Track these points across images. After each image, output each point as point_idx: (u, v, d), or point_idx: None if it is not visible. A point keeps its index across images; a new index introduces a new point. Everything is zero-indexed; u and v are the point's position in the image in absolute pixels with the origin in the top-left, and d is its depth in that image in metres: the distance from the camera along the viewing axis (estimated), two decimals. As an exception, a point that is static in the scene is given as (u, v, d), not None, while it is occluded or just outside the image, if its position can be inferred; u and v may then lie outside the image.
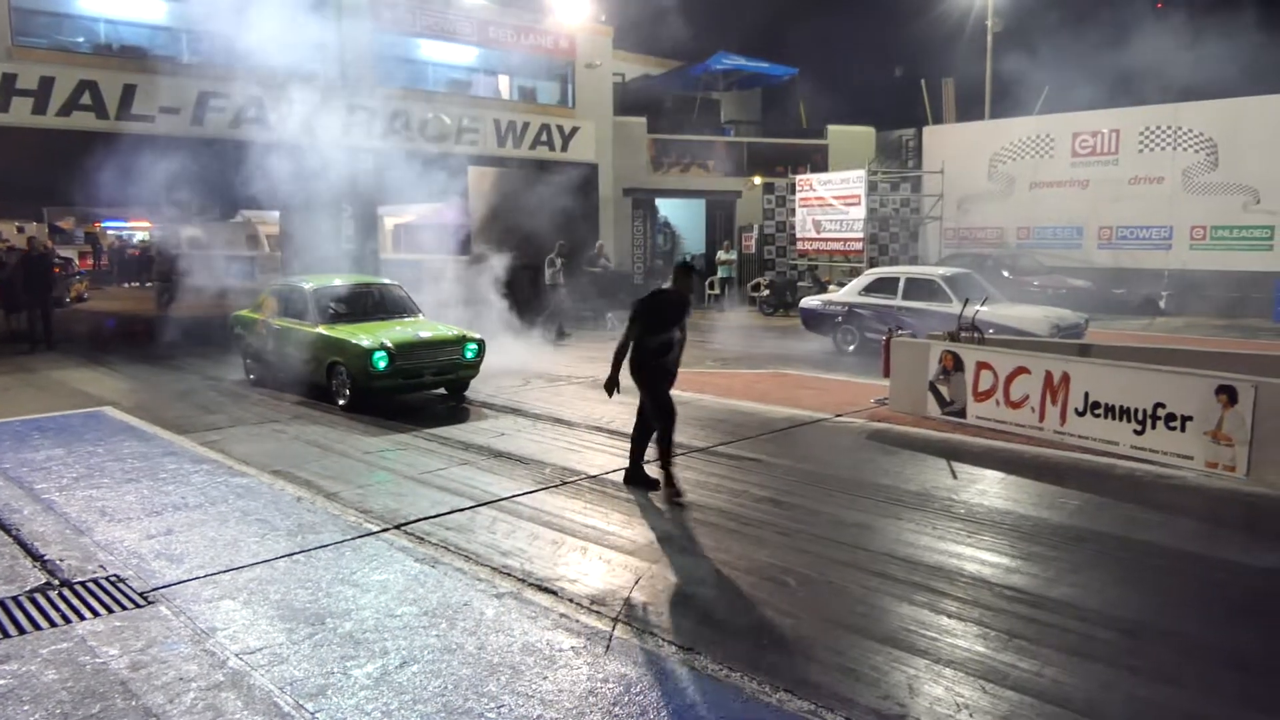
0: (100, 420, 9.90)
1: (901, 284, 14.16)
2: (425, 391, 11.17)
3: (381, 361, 10.02)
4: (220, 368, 13.48)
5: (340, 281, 12.16)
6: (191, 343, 16.07)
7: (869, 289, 14.70)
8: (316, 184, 20.53)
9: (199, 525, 6.28)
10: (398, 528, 6.27)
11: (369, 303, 11.65)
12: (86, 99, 17.12)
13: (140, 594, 5.08)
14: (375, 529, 6.22)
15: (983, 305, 12.48)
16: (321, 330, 10.84)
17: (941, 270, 14.67)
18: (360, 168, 20.68)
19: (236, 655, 4.34)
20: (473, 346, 10.83)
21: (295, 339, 11.22)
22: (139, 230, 44.20)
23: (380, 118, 21.03)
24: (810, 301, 16.03)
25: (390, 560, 5.62)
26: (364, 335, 10.34)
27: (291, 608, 4.89)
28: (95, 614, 4.82)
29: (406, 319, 11.41)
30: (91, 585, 5.21)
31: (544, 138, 23.85)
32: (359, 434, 9.34)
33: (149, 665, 4.26)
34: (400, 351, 10.19)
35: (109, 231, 44.30)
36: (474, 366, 10.99)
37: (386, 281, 12.56)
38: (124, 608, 4.90)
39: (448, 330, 10.99)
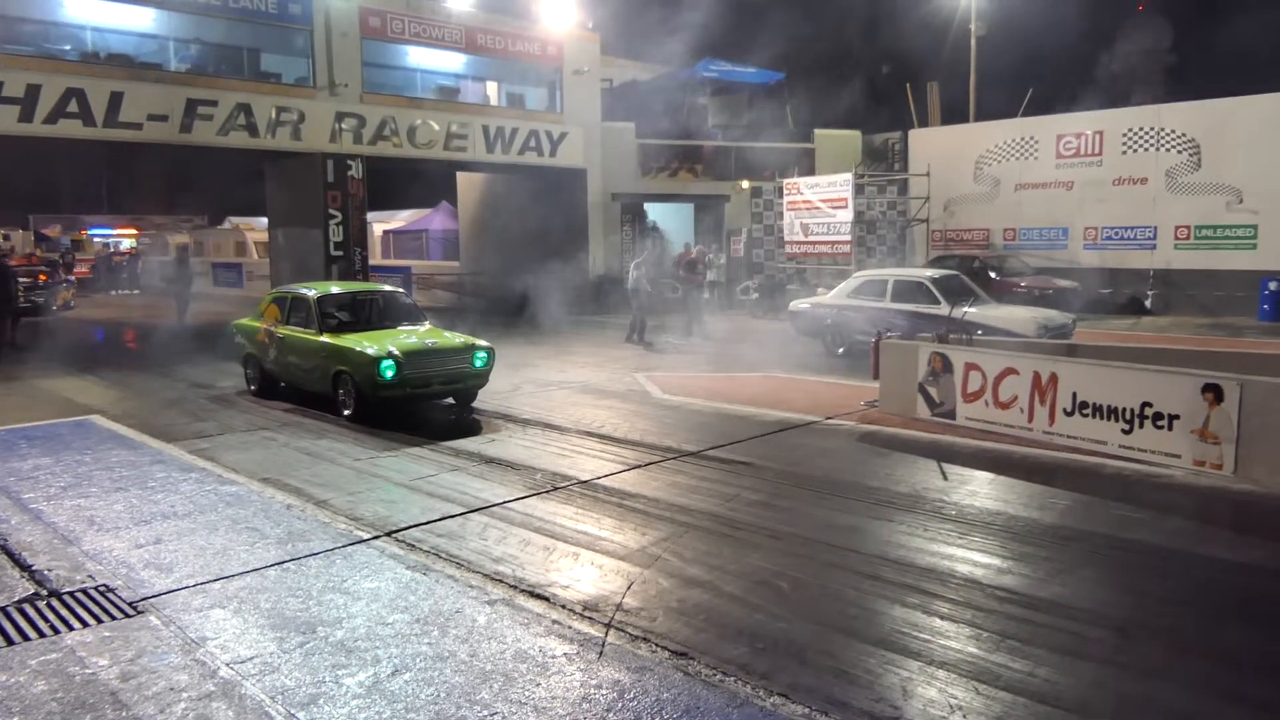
0: (88, 429, 9.85)
1: (890, 286, 14.19)
2: (432, 401, 10.92)
3: (389, 371, 9.75)
4: (210, 374, 13.43)
5: (345, 288, 11.94)
6: (180, 350, 15.98)
7: (857, 291, 14.71)
8: (305, 190, 20.57)
9: (188, 534, 6.24)
10: (389, 535, 6.26)
11: (374, 310, 11.44)
12: (73, 106, 17.06)
13: (130, 603, 5.05)
14: (366, 536, 6.20)
15: (970, 307, 12.53)
16: (326, 339, 10.56)
17: (929, 272, 14.71)
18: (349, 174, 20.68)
19: (227, 665, 4.32)
20: (482, 355, 10.57)
21: (299, 348, 10.99)
22: (126, 237, 44.05)
23: (369, 124, 21.01)
24: (800, 304, 16.05)
25: (381, 568, 5.60)
26: (370, 344, 10.09)
27: (282, 616, 4.87)
28: (84, 624, 4.79)
29: (413, 326, 11.18)
30: (80, 595, 5.18)
31: (532, 143, 23.89)
32: (349, 441, 9.31)
33: (139, 675, 4.23)
34: (408, 360, 9.91)
35: (95, 239, 44.09)
36: (483, 375, 10.72)
37: (392, 289, 12.34)
38: (113, 617, 4.87)
39: (456, 338, 10.80)
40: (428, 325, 11.36)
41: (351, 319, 11.10)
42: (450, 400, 10.91)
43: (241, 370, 12.26)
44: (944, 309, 12.56)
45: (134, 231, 43.63)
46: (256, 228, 33.55)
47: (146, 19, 18.82)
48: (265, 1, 19.43)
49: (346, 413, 10.23)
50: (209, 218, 38.29)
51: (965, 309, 11.45)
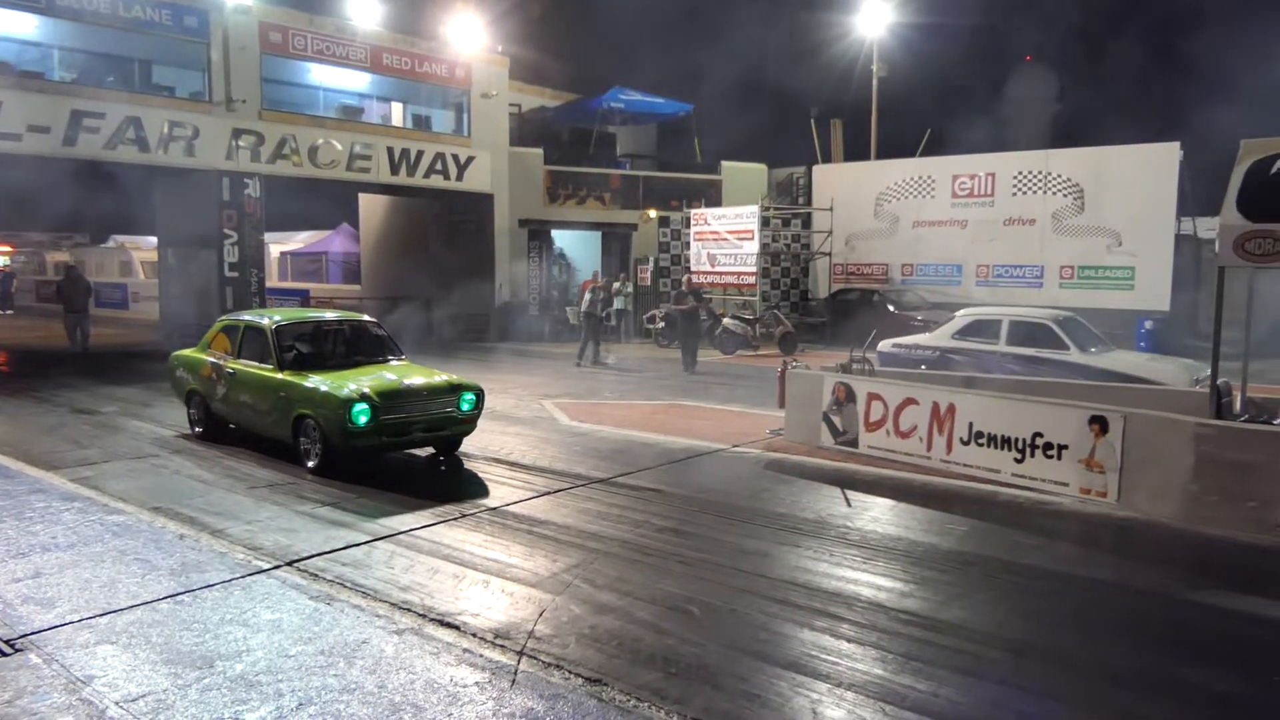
0: (-42, 455, 9.25)
1: (1005, 327, 12.61)
2: (411, 450, 9.58)
3: (362, 416, 8.38)
4: (91, 400, 12.79)
5: (308, 317, 10.62)
6: (59, 375, 15.19)
7: (964, 332, 13.09)
8: (198, 209, 19.87)
9: (71, 566, 5.90)
10: (290, 564, 6.04)
11: (342, 343, 10.05)
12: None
13: (6, 641, 4.73)
14: (266, 566, 5.97)
15: (1104, 351, 11.91)
16: (285, 376, 9.11)
17: (1051, 313, 13.08)
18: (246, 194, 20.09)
19: (116, 704, 4.09)
20: (469, 397, 9.20)
21: (253, 386, 9.49)
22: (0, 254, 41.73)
23: (268, 142, 20.46)
24: (891, 345, 13.74)
25: (283, 598, 5.40)
26: (339, 383, 8.73)
27: (177, 651, 4.64)
28: (-45, 663, 4.48)
29: (388, 363, 9.71)
30: (-49, 633, 4.84)
31: (439, 166, 23.63)
32: (246, 468, 8.97)
33: (18, 718, 3.97)
34: (384, 403, 8.55)
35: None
36: (471, 420, 9.35)
37: (362, 318, 10.88)
38: (-12, 656, 4.57)
39: (439, 377, 9.34)
40: (404, 360, 9.93)
41: (315, 353, 9.71)
42: (431, 450, 9.64)
43: (138, 398, 11.51)
44: (1073, 354, 11.76)
45: (8, 249, 41.37)
46: (144, 247, 32.19)
47: (29, 26, 17.92)
48: (159, 12, 18.74)
49: (311, 464, 8.80)
50: (91, 235, 36.53)
51: (1099, 355, 10.79)
